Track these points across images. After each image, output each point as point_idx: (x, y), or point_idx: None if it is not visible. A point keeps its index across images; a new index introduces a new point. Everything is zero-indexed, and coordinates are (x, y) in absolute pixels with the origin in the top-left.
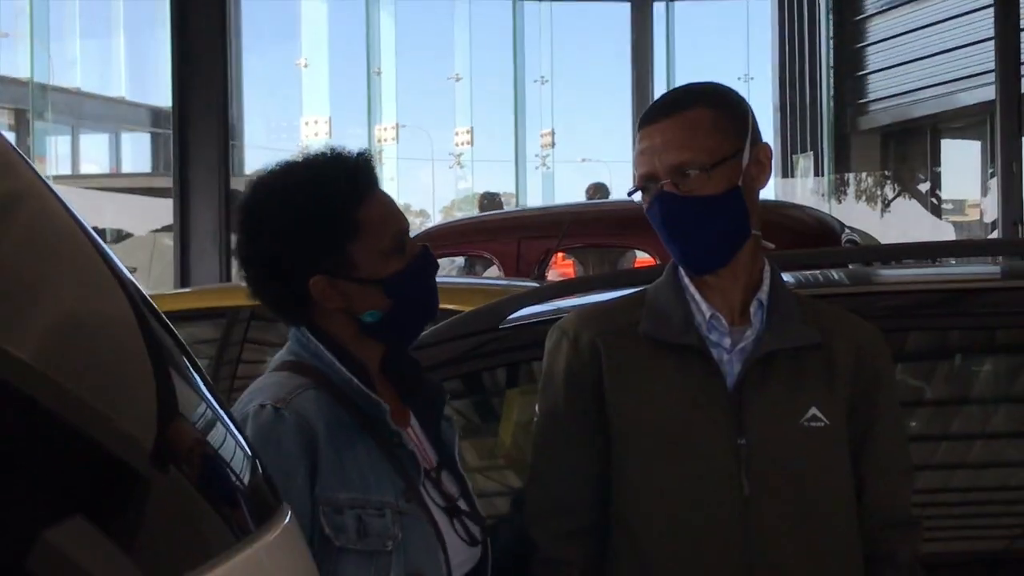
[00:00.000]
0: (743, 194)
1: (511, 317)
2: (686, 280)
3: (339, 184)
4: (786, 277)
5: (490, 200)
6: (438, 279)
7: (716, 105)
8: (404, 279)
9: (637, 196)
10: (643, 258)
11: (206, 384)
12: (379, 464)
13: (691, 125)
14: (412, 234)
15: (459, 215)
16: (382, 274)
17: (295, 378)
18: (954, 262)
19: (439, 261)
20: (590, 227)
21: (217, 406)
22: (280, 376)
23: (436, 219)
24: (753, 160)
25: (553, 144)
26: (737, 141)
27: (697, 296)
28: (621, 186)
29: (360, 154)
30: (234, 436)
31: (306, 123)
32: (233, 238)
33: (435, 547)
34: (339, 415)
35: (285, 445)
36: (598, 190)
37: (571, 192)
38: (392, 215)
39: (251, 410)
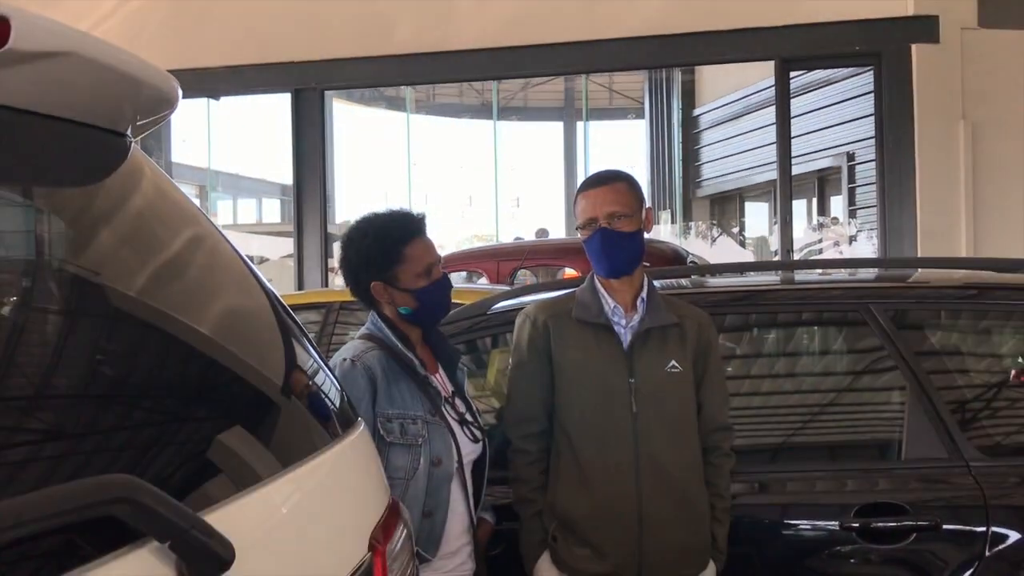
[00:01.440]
0: (642, 234)
1: (493, 307)
2: (599, 285)
3: (393, 229)
4: (656, 283)
5: (541, 232)
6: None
7: (629, 181)
8: (427, 292)
9: (577, 233)
10: (570, 272)
11: (314, 348)
12: (415, 393)
13: (619, 190)
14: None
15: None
16: (414, 287)
17: (366, 344)
18: (752, 274)
19: (452, 275)
20: (541, 254)
21: (320, 361)
22: (358, 342)
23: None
24: (645, 216)
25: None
26: (639, 203)
27: (606, 295)
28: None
29: (415, 213)
30: (331, 379)
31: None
32: (332, 260)
33: (450, 443)
34: (391, 365)
35: (358, 383)
36: (542, 232)
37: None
38: (427, 253)
39: (338, 362)
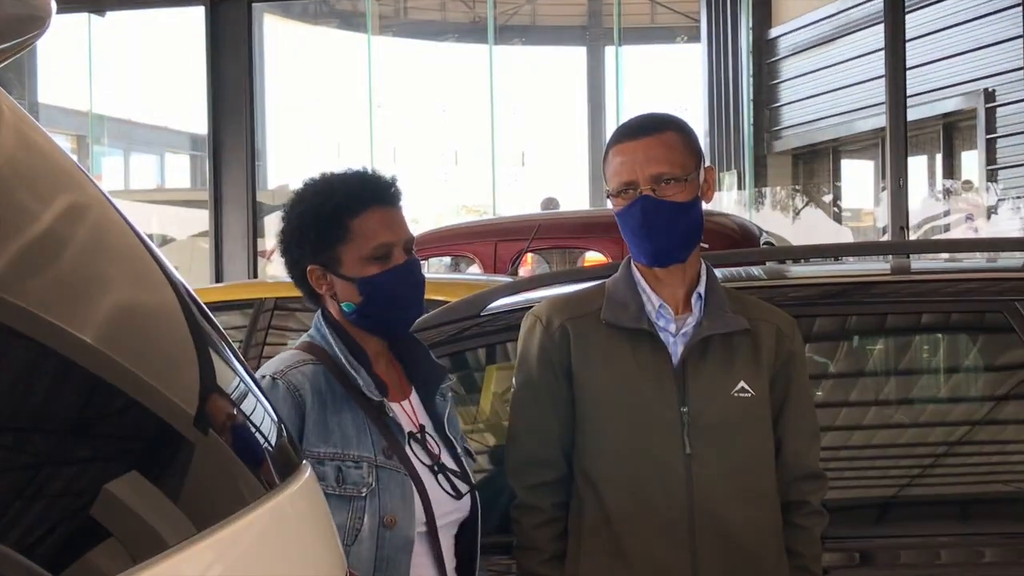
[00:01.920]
0: (700, 205)
1: (490, 306)
2: (638, 276)
3: (338, 194)
4: (717, 273)
5: (549, 202)
6: (431, 275)
7: (682, 131)
8: (376, 284)
9: (608, 202)
10: (594, 258)
11: (239, 362)
12: (363, 426)
13: (668, 144)
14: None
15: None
16: (359, 274)
17: (301, 355)
18: (852, 260)
19: (431, 260)
20: (555, 232)
21: (249, 380)
22: (290, 352)
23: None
24: (704, 179)
25: (523, 164)
26: (696, 162)
27: (648, 289)
28: (578, 197)
29: (381, 176)
30: (263, 405)
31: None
32: (264, 241)
33: (410, 496)
34: (331, 386)
35: (276, 408)
36: (550, 203)
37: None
38: (382, 231)
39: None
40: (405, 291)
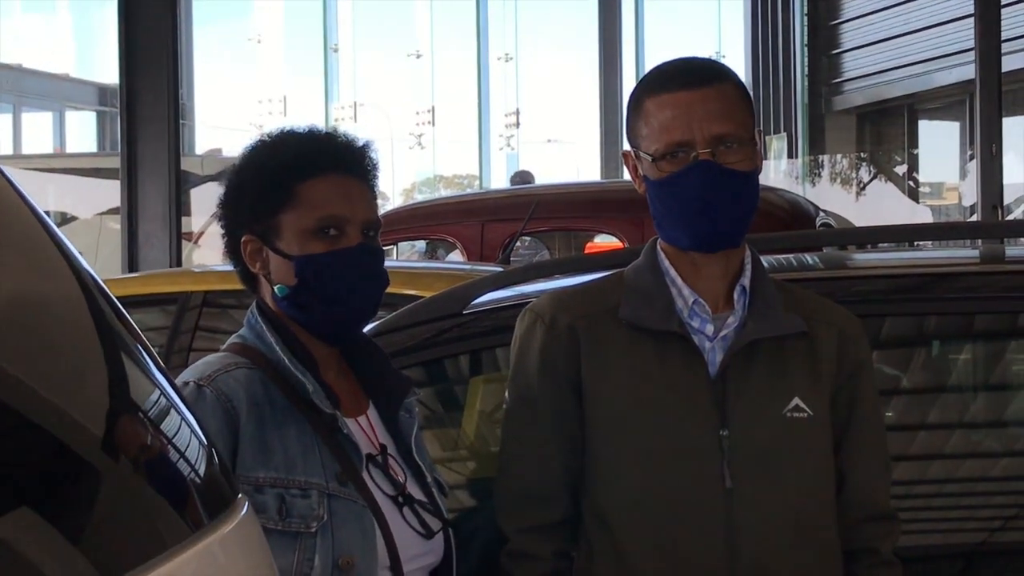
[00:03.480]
0: (757, 177)
1: (475, 302)
2: (667, 263)
3: (286, 157)
4: (765, 261)
5: (521, 177)
6: (399, 263)
7: (740, 85)
8: (315, 264)
9: (638, 167)
10: (605, 243)
11: (160, 372)
12: (312, 445)
13: (730, 98)
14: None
15: (419, 197)
16: (297, 252)
17: (231, 357)
18: (932, 246)
19: (401, 245)
20: (558, 210)
21: (173, 394)
22: (218, 355)
23: (396, 202)
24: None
25: (518, 124)
26: (754, 123)
27: (679, 280)
28: (591, 166)
29: (347, 137)
30: (190, 426)
31: (259, 102)
32: (191, 219)
33: (371, 532)
34: (271, 395)
35: (203, 422)
36: (524, 179)
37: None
38: (334, 201)
39: (179, 386)
40: (354, 279)
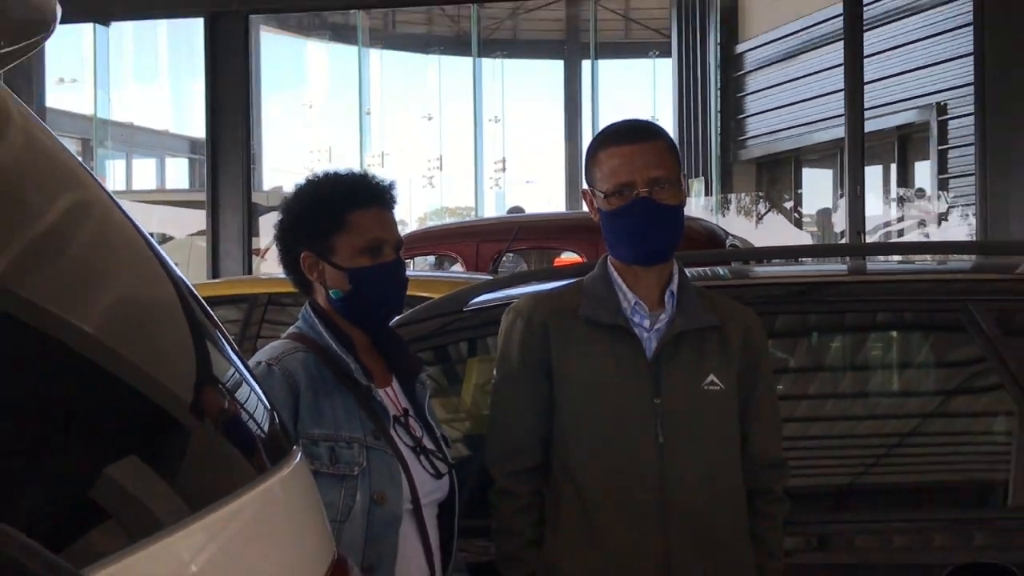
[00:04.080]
0: (683, 210)
1: (472, 303)
2: (615, 274)
3: (339, 191)
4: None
5: (515, 210)
6: (416, 272)
7: (670, 140)
8: (365, 274)
9: (593, 202)
10: (570, 257)
11: (234, 354)
12: (353, 410)
13: (662, 150)
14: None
15: (430, 223)
16: (350, 265)
17: (291, 344)
18: (811, 262)
19: (416, 259)
20: (534, 233)
21: (243, 370)
22: (282, 342)
23: (413, 226)
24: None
25: (504, 169)
26: (680, 169)
27: (624, 287)
28: (559, 200)
29: (379, 179)
30: (256, 394)
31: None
32: (258, 240)
33: (399, 475)
34: (322, 372)
35: (275, 394)
36: (517, 211)
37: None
38: (376, 227)
39: (253, 367)
40: (391, 286)
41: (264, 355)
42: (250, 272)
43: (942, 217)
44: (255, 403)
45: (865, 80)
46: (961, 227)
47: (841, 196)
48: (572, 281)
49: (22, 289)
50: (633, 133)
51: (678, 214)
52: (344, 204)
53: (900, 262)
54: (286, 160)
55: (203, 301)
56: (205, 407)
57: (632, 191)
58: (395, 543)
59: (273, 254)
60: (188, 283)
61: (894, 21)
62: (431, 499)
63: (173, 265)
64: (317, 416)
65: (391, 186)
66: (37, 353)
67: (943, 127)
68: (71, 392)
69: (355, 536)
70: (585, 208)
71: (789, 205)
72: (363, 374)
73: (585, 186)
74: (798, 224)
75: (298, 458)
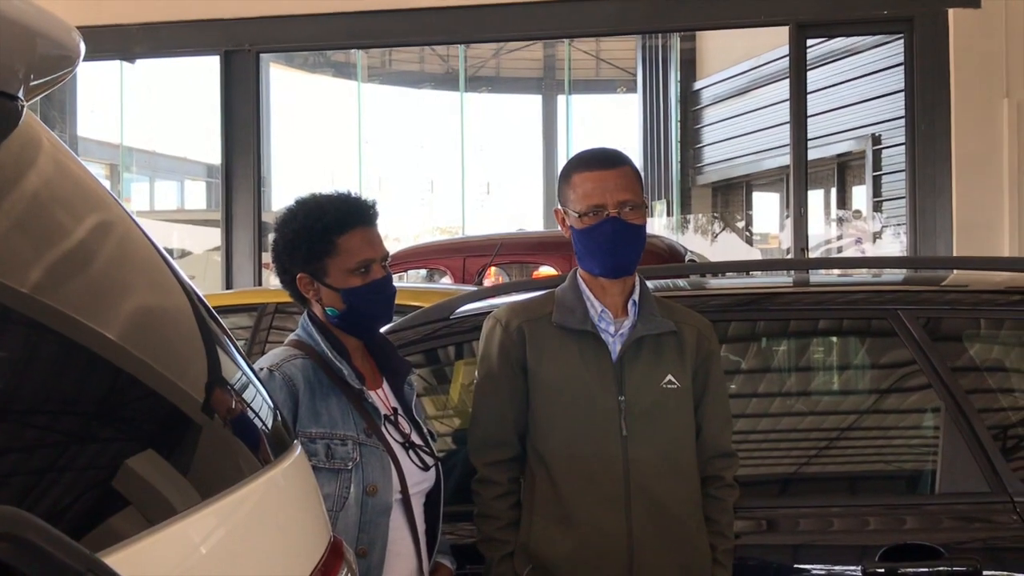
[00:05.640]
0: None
1: (458, 311)
2: (583, 286)
3: (328, 215)
4: (649, 284)
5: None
6: (409, 284)
7: (635, 167)
8: (358, 294)
9: (566, 221)
10: (546, 271)
11: (242, 358)
12: (347, 410)
13: (629, 176)
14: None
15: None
16: (343, 286)
17: (291, 351)
18: (760, 275)
19: (409, 272)
20: (514, 250)
21: (251, 374)
22: (282, 348)
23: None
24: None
25: (488, 192)
26: (643, 192)
27: (592, 297)
28: (534, 218)
29: (362, 199)
30: (261, 394)
31: (314, 176)
32: (267, 254)
33: (389, 469)
34: (319, 376)
35: (276, 396)
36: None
37: (500, 226)
38: (365, 248)
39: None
40: (381, 301)
41: (266, 361)
42: (260, 283)
43: (876, 235)
44: (260, 402)
45: (808, 113)
46: (893, 244)
47: (787, 216)
48: (545, 292)
49: (52, 300)
50: (604, 160)
51: (642, 233)
52: (332, 229)
53: (839, 275)
54: (292, 184)
55: (212, 309)
56: (215, 405)
57: (603, 211)
58: (386, 530)
59: (272, 263)
60: (199, 293)
61: (834, 61)
62: (419, 489)
63: (186, 277)
64: (314, 416)
65: (373, 204)
66: (65, 357)
67: (877, 155)
68: (94, 393)
69: (350, 524)
70: (559, 227)
71: (741, 224)
72: (356, 378)
73: (558, 206)
74: (749, 241)
75: (298, 451)
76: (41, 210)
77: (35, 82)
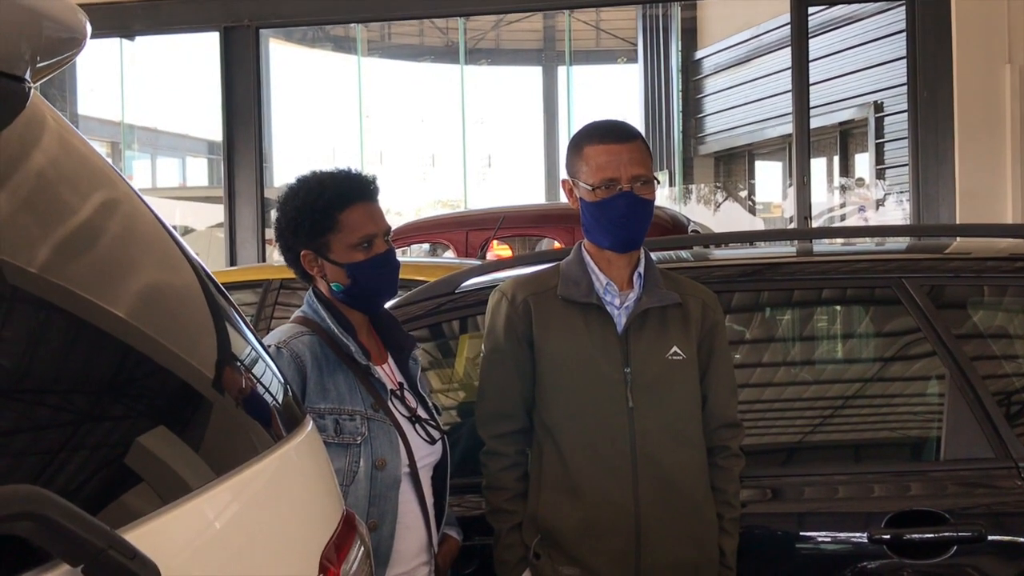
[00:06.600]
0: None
1: (463, 285)
2: (589, 258)
3: (328, 192)
4: (653, 256)
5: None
6: (412, 259)
7: (645, 142)
8: (362, 268)
9: (576, 192)
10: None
11: (251, 333)
12: (354, 385)
13: (642, 150)
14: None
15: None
16: (347, 261)
17: (298, 327)
18: (764, 245)
19: (412, 247)
20: (517, 223)
21: (259, 348)
22: (289, 325)
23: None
24: None
25: (489, 165)
26: (652, 168)
27: (596, 270)
28: (536, 191)
29: (363, 175)
30: (271, 370)
31: (315, 151)
32: (270, 230)
33: (396, 442)
34: (326, 352)
35: (282, 372)
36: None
37: (502, 199)
38: (367, 223)
39: None
40: (385, 275)
41: (273, 338)
42: (263, 259)
43: (879, 203)
44: (270, 377)
45: (810, 81)
46: (896, 212)
47: (790, 185)
48: (550, 265)
49: (62, 278)
50: (618, 133)
51: (652, 207)
52: (334, 205)
53: (843, 244)
54: (294, 159)
55: (220, 285)
56: (226, 382)
57: (616, 185)
58: (396, 502)
59: (275, 241)
60: (207, 269)
61: (836, 28)
62: (426, 462)
63: (193, 253)
64: (323, 392)
65: (373, 179)
66: (76, 336)
67: (880, 123)
68: (104, 370)
69: (360, 497)
70: (562, 199)
71: (744, 194)
72: (362, 354)
73: (565, 176)
74: (751, 211)
75: (310, 427)
76: (47, 188)
77: (41, 64)
